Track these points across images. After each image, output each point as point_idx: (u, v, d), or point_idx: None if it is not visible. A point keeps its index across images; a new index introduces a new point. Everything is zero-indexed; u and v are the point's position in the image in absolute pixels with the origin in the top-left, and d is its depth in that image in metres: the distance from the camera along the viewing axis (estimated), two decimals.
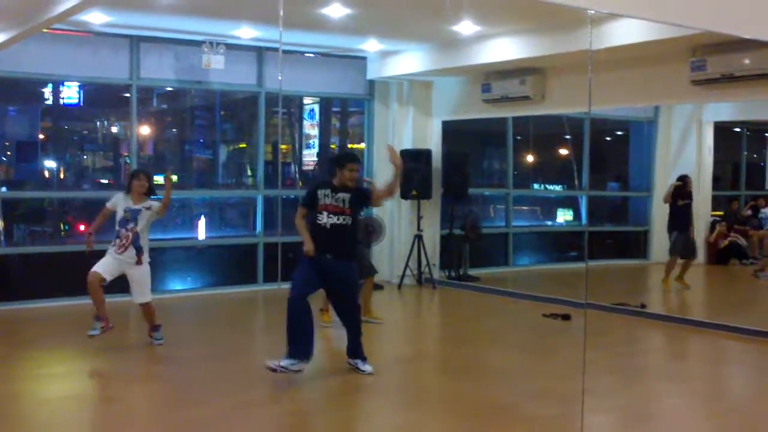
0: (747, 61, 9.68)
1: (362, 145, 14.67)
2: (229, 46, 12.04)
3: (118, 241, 8.83)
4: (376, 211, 13.88)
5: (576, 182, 16.87)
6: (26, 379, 8.12)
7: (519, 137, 16.13)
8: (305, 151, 15.34)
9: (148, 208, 8.92)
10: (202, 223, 13.70)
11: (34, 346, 9.40)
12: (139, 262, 8.88)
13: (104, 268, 8.77)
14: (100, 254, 8.89)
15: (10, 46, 9.68)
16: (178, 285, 12.89)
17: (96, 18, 10.43)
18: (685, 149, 16.79)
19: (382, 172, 14.16)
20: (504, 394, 7.79)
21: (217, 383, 7.89)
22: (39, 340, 9.64)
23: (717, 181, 17.32)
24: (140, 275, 8.92)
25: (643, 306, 11.76)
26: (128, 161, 12.66)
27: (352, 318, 8.34)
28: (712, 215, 16.99)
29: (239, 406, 7.25)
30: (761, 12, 6.47)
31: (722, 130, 17.02)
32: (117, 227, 8.88)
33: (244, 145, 15.28)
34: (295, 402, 7.58)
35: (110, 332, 8.89)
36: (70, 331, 10.02)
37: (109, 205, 8.96)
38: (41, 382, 8.07)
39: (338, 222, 8.01)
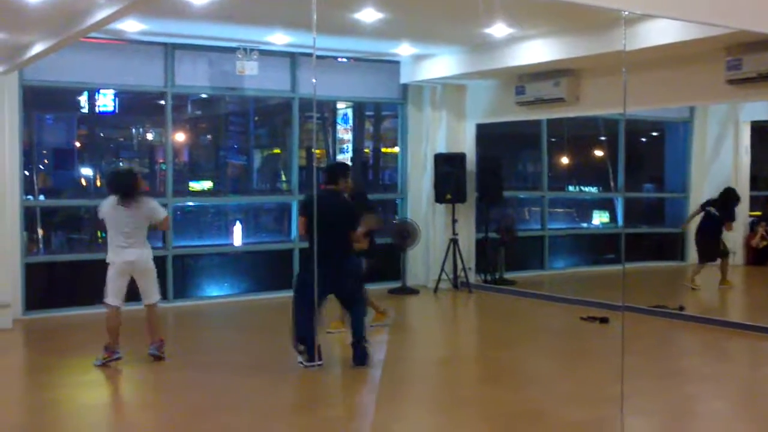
0: None
1: (396, 149, 14.67)
2: (263, 52, 12.10)
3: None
4: (410, 215, 13.90)
5: (611, 184, 16.76)
6: (66, 386, 8.20)
7: (553, 139, 16.05)
8: (339, 156, 15.35)
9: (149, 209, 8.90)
10: (237, 229, 13.77)
11: (72, 353, 9.49)
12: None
13: (115, 293, 8.81)
14: None
15: (47, 56, 9.78)
16: (214, 291, 12.95)
17: (131, 26, 10.51)
18: (721, 149, 16.64)
19: (414, 177, 14.18)
20: (541, 399, 7.76)
21: (253, 389, 7.92)
22: (77, 348, 9.73)
23: (754, 181, 17.13)
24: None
25: (681, 308, 11.66)
26: (164, 168, 12.74)
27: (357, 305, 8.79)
28: (750, 215, 16.80)
29: (275, 412, 7.28)
30: None
31: (759, 130, 16.83)
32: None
33: (278, 151, 15.33)
34: (330, 408, 7.60)
35: (175, 343, 8.99)
36: (107, 338, 10.09)
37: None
38: (80, 389, 8.14)
39: None
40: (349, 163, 15.00)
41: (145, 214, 8.82)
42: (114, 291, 8.80)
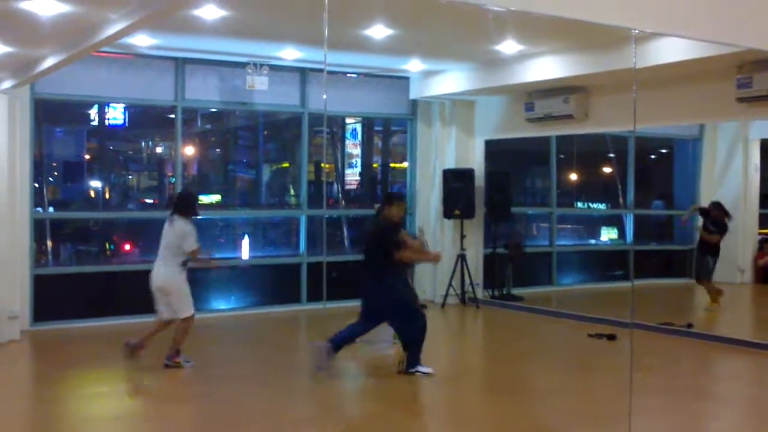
0: None
1: (405, 164, 14.69)
2: (273, 68, 12.14)
3: None
4: (418, 231, 13.88)
5: (620, 201, 16.74)
6: (71, 399, 8.22)
7: (562, 156, 16.05)
8: (348, 171, 15.39)
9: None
10: (245, 242, 13.78)
11: (78, 365, 9.50)
12: None
13: (158, 308, 9.19)
14: None
15: (58, 69, 9.83)
16: (222, 304, 12.95)
17: (142, 40, 10.56)
18: (731, 167, 16.62)
19: (423, 192, 14.19)
20: (548, 415, 7.74)
21: (263, 402, 7.91)
22: (84, 360, 9.74)
23: (764, 199, 17.09)
24: None
25: (689, 326, 11.62)
26: (173, 181, 12.77)
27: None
28: (760, 233, 16.77)
29: (286, 425, 7.26)
30: None
31: None
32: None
33: (287, 165, 15.37)
34: (340, 421, 7.58)
35: (150, 353, 9.05)
36: (115, 351, 10.11)
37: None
38: (86, 401, 8.15)
39: None
40: (358, 177, 15.05)
41: (176, 235, 9.00)
42: (157, 306, 9.14)
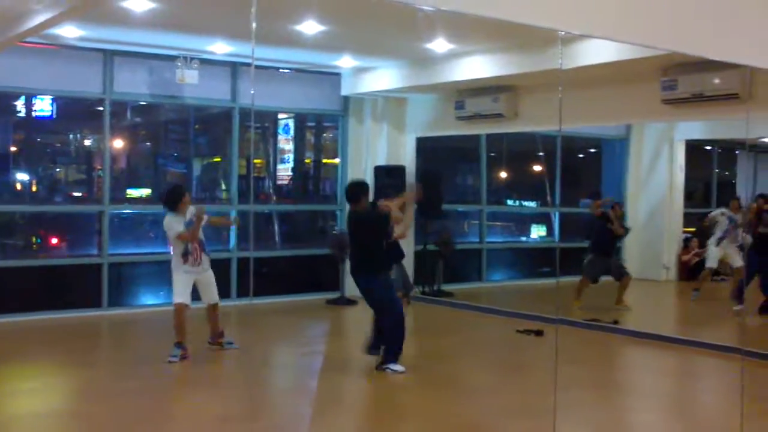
0: (717, 81, 9.79)
1: (336, 161, 14.69)
2: (203, 61, 12.05)
3: (191, 257, 9.25)
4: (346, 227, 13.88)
5: (549, 199, 16.95)
6: None
7: (493, 154, 16.20)
8: (280, 166, 15.33)
9: (197, 217, 9.32)
10: None
11: (2, 361, 9.33)
12: (208, 266, 9.52)
13: (185, 293, 9.29)
14: None
15: None
16: (150, 300, 12.82)
17: (69, 32, 10.41)
18: (656, 167, 16.96)
19: None
20: (477, 411, 7.82)
21: (192, 397, 7.87)
22: (8, 356, 9.57)
23: (689, 198, 17.47)
24: (211, 278, 9.65)
25: (615, 322, 11.83)
26: (101, 175, 12.61)
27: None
28: (684, 232, 17.12)
29: (214, 421, 7.24)
30: (726, 34, 6.56)
31: (693, 148, 17.19)
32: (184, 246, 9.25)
33: (219, 159, 15.26)
34: (271, 418, 7.57)
35: (109, 351, 8.98)
36: (40, 346, 9.99)
37: (172, 233, 9.23)
38: (9, 398, 8.01)
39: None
40: (290, 173, 15.02)
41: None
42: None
